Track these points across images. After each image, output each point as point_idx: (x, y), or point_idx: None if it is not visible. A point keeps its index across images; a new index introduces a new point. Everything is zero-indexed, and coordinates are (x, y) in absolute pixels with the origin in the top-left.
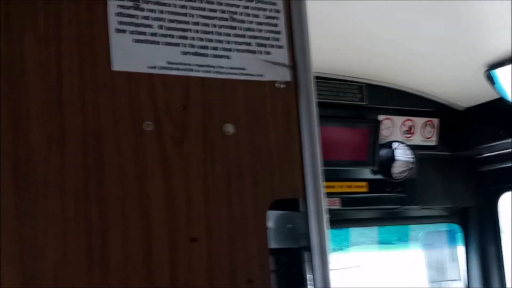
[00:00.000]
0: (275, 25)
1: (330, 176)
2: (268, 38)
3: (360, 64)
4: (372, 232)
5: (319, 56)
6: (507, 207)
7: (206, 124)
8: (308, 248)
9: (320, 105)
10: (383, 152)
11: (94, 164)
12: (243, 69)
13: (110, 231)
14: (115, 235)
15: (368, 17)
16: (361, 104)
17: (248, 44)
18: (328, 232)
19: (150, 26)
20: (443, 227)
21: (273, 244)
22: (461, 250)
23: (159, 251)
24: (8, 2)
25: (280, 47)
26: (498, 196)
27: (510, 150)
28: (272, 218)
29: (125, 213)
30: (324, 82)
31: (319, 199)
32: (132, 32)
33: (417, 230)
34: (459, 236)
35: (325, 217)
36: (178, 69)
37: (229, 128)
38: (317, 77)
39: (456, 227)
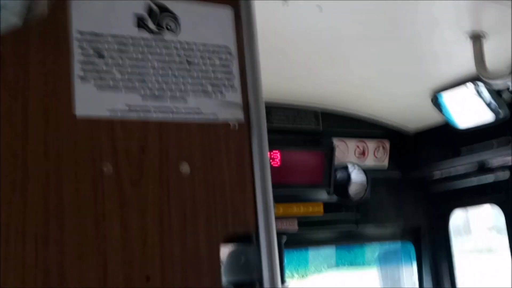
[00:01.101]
0: (229, 67)
1: (287, 199)
2: (222, 80)
3: (314, 92)
4: (330, 254)
5: (277, 84)
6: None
7: (163, 165)
8: (261, 280)
9: (278, 131)
10: (339, 174)
11: (54, 207)
12: (199, 110)
13: (67, 273)
14: (72, 277)
15: (320, 49)
16: (317, 129)
17: (204, 86)
18: (278, 265)
19: (111, 73)
20: (397, 245)
21: (226, 278)
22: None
23: None
24: None
25: (233, 88)
26: (449, 215)
27: (457, 170)
28: (225, 252)
29: (83, 254)
30: (283, 109)
31: (271, 233)
32: (94, 79)
33: (373, 250)
34: (413, 253)
35: (276, 250)
36: (137, 111)
37: (185, 168)
38: (277, 105)
39: (409, 245)
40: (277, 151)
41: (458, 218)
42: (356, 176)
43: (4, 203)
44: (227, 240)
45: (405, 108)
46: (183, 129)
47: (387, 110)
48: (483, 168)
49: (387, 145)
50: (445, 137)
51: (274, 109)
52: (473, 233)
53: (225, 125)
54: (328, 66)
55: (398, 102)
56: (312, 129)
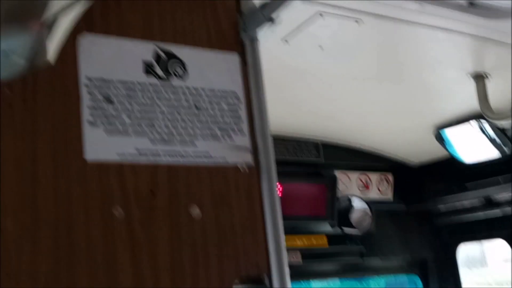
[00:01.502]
0: (237, 111)
1: (290, 231)
2: (230, 124)
3: (315, 126)
4: None
5: (277, 118)
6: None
7: (173, 207)
8: None
9: (279, 163)
10: (341, 204)
11: (65, 251)
12: (208, 154)
13: None
14: None
15: (321, 86)
16: (318, 161)
17: (212, 130)
18: None
19: (120, 117)
20: (404, 278)
21: None
22: None
23: None
24: None
25: (242, 132)
26: (455, 248)
27: (463, 204)
28: None
29: None
30: (282, 141)
31: (283, 275)
32: (103, 123)
33: (378, 283)
34: (420, 286)
35: None
36: (146, 155)
37: (196, 211)
38: (276, 137)
39: (416, 278)
40: (278, 184)
41: (474, 250)
42: (358, 204)
43: (14, 249)
44: (239, 282)
45: (409, 142)
46: (192, 173)
47: (390, 143)
48: (489, 203)
49: (391, 178)
50: (450, 171)
51: (274, 141)
52: (489, 266)
53: (235, 168)
54: (329, 102)
55: (401, 136)
56: (313, 161)
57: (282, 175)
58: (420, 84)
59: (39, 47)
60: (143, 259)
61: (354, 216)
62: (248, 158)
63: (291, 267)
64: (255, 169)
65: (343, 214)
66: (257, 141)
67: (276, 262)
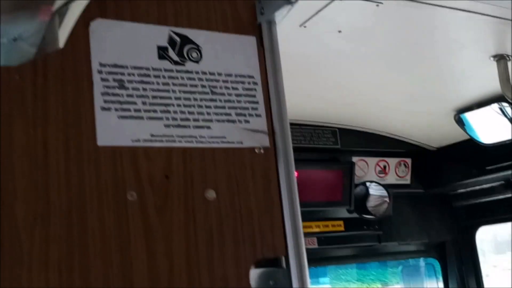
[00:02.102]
0: (253, 96)
1: (306, 217)
2: (247, 108)
3: (332, 112)
4: (351, 272)
5: (294, 105)
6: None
7: (188, 191)
8: None
9: (296, 149)
10: (357, 190)
11: (78, 237)
12: (223, 137)
13: None
14: None
15: (339, 71)
16: (335, 147)
17: (228, 114)
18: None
19: (134, 103)
20: (421, 261)
21: None
22: (440, 283)
23: None
24: None
25: (259, 115)
26: (475, 230)
27: (483, 187)
28: (254, 276)
29: (108, 283)
30: (299, 128)
31: (301, 257)
32: (116, 109)
33: (395, 267)
34: (438, 270)
35: (307, 274)
36: (161, 141)
37: (211, 194)
38: (293, 124)
39: (434, 262)
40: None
41: (503, 234)
42: (375, 190)
43: (25, 236)
44: (256, 265)
45: (428, 126)
46: (208, 156)
47: (408, 128)
48: (509, 185)
49: (409, 162)
50: (469, 154)
51: (290, 127)
52: None
53: (251, 151)
54: (346, 87)
55: (420, 120)
56: (331, 148)
57: (299, 162)
58: (440, 67)
59: (50, 34)
60: (158, 245)
61: (371, 203)
62: (265, 141)
63: (307, 252)
64: (272, 152)
65: (360, 201)
66: (274, 124)
67: (293, 245)
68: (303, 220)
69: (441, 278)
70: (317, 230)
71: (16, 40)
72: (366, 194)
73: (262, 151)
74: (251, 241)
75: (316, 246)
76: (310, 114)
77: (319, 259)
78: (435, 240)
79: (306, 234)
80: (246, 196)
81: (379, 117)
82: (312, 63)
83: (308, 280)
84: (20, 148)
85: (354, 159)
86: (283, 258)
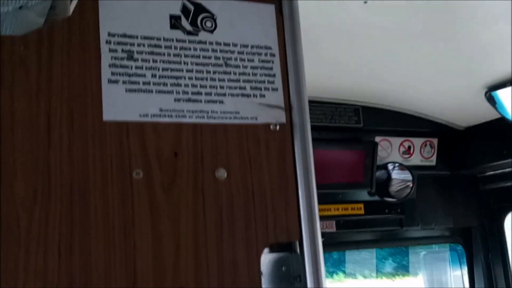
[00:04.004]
0: (270, 68)
1: (325, 199)
2: (263, 82)
3: (356, 88)
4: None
5: (314, 81)
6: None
7: (198, 169)
8: None
9: (316, 128)
10: (379, 173)
11: (79, 216)
12: (237, 113)
13: (93, 285)
14: None
15: (365, 44)
16: (357, 126)
17: (243, 88)
18: (324, 275)
19: (143, 75)
20: (445, 248)
21: None
22: (465, 271)
23: None
24: (0, 56)
25: (275, 89)
26: (503, 215)
27: None
28: (265, 261)
29: (110, 264)
30: (319, 105)
31: (316, 241)
32: (124, 82)
33: (417, 253)
34: (463, 256)
35: (322, 259)
36: (170, 116)
37: (222, 173)
38: (312, 101)
39: (459, 248)
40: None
41: None
42: (398, 174)
43: (24, 212)
44: (268, 248)
45: (456, 104)
46: (219, 133)
47: (435, 106)
48: None
49: (435, 142)
50: (499, 134)
51: (310, 105)
52: None
53: (265, 126)
54: (371, 62)
55: (449, 98)
56: (352, 126)
57: (319, 142)
58: (472, 40)
59: (59, 2)
60: (164, 225)
61: (393, 188)
62: (281, 117)
63: (324, 235)
64: (289, 129)
65: (381, 185)
66: (291, 99)
67: (308, 228)
68: (321, 202)
69: (465, 266)
70: (336, 213)
71: (21, 8)
72: (388, 178)
73: (278, 127)
74: (263, 223)
75: (334, 230)
76: (332, 91)
77: (338, 243)
78: (461, 225)
79: (325, 217)
80: (260, 175)
81: (405, 94)
82: (335, 35)
83: (323, 267)
84: (21, 121)
85: (377, 138)
86: (297, 243)
